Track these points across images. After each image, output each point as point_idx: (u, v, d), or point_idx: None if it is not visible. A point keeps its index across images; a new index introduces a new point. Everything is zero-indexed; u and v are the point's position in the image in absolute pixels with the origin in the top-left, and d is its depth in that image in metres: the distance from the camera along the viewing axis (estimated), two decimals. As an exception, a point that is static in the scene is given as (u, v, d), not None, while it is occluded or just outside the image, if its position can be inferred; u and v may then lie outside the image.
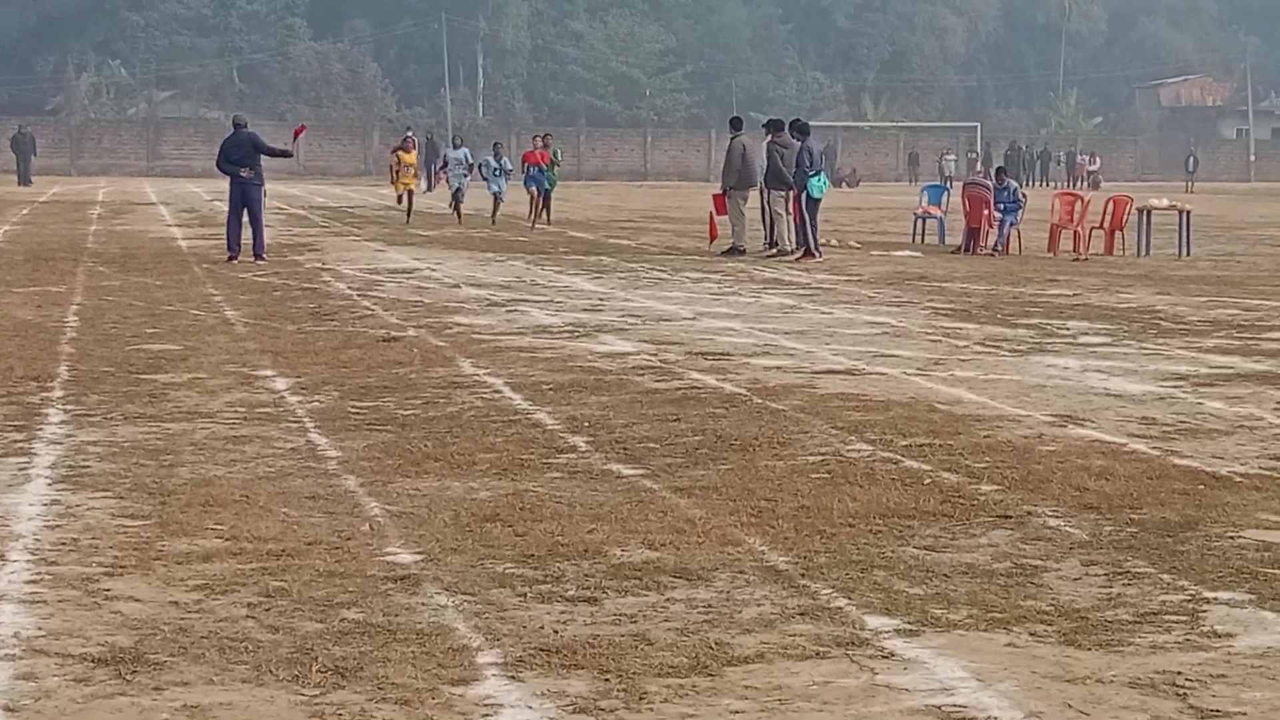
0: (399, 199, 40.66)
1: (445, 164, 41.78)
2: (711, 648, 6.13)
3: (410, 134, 45.65)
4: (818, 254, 27.78)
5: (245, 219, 25.64)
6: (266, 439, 10.45)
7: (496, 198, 39.19)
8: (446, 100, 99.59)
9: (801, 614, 6.58)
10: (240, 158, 25.66)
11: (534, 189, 39.18)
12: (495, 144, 42.40)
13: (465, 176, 40.29)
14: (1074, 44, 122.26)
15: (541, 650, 6.08)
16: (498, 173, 39.32)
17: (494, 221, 38.22)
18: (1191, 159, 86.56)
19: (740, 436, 10.51)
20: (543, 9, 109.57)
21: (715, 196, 30.57)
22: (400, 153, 41.37)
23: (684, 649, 6.11)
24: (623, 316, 18.35)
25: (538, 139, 41.53)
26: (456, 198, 40.00)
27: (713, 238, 29.90)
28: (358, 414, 11.45)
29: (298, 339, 15.87)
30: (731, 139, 30.27)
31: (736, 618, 6.54)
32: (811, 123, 32.00)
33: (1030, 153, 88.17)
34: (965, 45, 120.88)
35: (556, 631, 6.34)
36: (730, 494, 8.81)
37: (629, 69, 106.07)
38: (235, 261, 25.15)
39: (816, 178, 27.66)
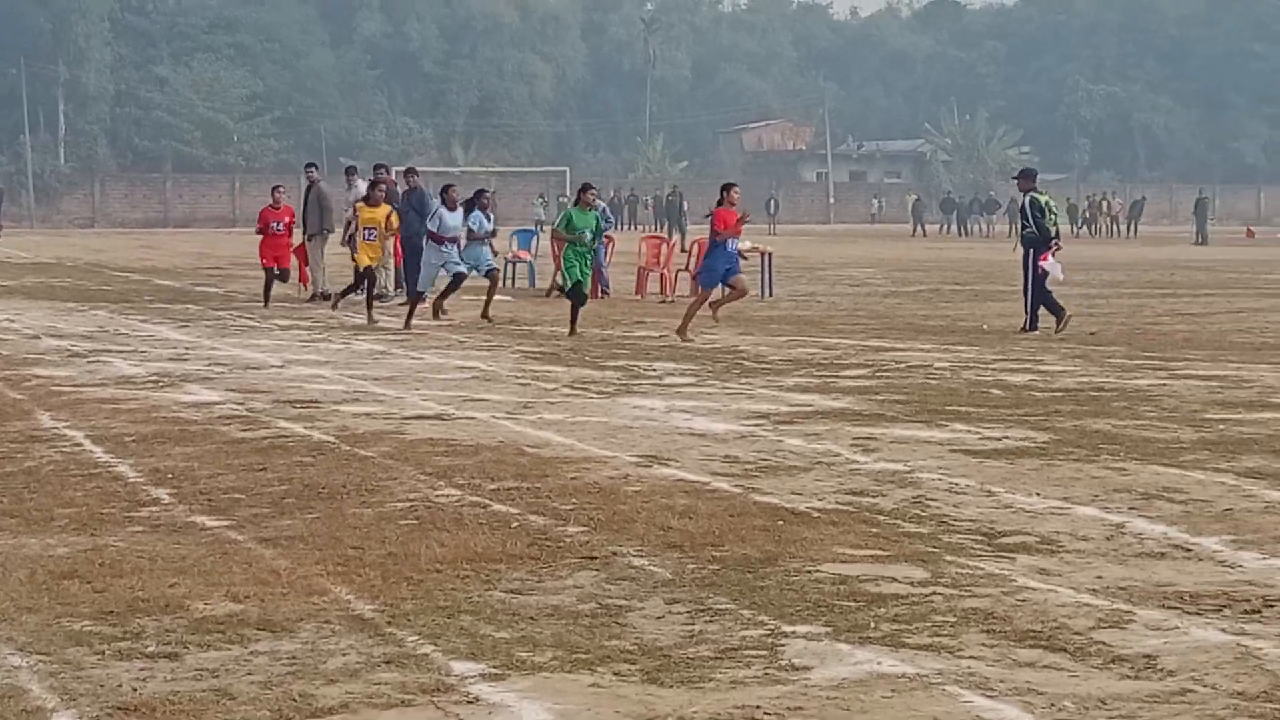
0: (355, 282, 26.13)
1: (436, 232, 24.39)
2: (295, 700, 6.05)
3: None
4: (426, 299, 27.71)
5: None
6: None
7: (458, 278, 24.49)
8: (26, 147, 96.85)
9: (387, 662, 6.54)
10: None
11: None
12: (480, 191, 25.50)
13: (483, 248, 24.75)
14: (659, 90, 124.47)
15: (119, 709, 5.93)
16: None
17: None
18: (773, 202, 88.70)
19: (328, 484, 10.42)
20: (125, 54, 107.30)
21: (297, 248, 30.21)
22: (360, 205, 25.81)
23: (266, 702, 6.02)
24: (209, 365, 18.06)
25: None
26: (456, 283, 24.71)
27: (304, 282, 29.62)
28: (-72, 471, 11.03)
29: None
30: (309, 187, 30.08)
31: (321, 668, 6.47)
32: (397, 168, 31.92)
33: (618, 197, 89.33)
34: (554, 91, 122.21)
35: (135, 689, 6.19)
36: (317, 543, 8.72)
37: (215, 114, 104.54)
38: None
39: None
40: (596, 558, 8.41)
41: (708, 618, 7.26)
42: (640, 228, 79.60)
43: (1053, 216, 22.89)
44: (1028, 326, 22.87)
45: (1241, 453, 11.90)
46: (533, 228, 51.49)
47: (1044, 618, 7.26)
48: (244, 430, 12.91)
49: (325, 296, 28.57)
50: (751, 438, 12.69)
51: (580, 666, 6.51)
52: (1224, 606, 7.49)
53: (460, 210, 24.06)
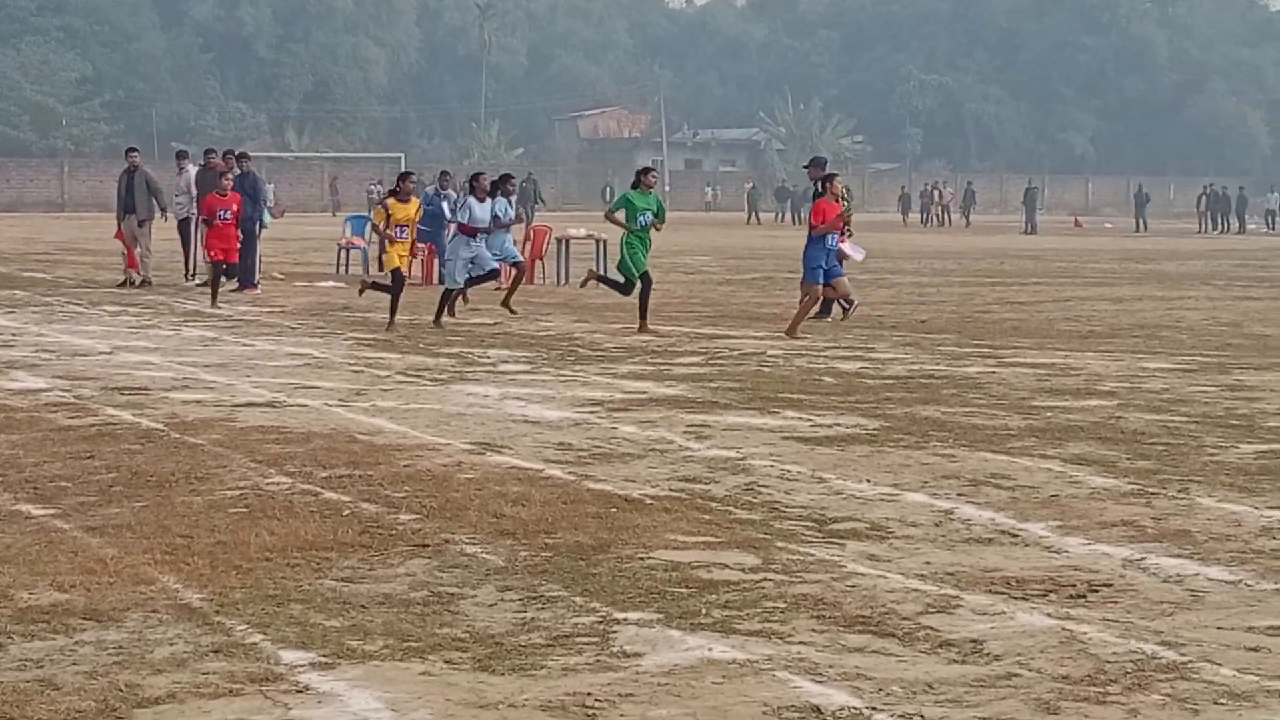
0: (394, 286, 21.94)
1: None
2: (121, 690, 5.97)
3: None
4: (256, 286, 27.55)
5: None
6: None
7: (491, 273, 23.10)
8: None
9: (215, 651, 6.47)
10: None
11: None
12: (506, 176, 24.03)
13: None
14: (495, 76, 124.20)
15: (-60, 702, 5.82)
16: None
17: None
18: (609, 189, 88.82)
19: (156, 473, 10.29)
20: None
21: (117, 233, 29.82)
22: (391, 201, 22.18)
23: (92, 693, 5.94)
24: (36, 352, 17.78)
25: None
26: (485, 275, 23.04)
27: (132, 266, 29.22)
28: None
29: None
30: (131, 171, 29.62)
31: (148, 658, 6.39)
32: (227, 152, 31.56)
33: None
34: (388, 76, 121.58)
35: (-44, 681, 6.08)
36: (145, 532, 8.61)
37: (44, 98, 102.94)
38: None
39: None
40: (428, 545, 8.38)
41: (540, 605, 7.25)
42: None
43: (846, 203, 23.16)
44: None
45: (1068, 439, 12.08)
46: (366, 214, 51.16)
47: (873, 603, 7.32)
48: (71, 418, 12.73)
49: (147, 283, 28.29)
50: (585, 425, 12.70)
51: (411, 655, 6.49)
52: (1050, 591, 7.60)
53: (489, 201, 22.52)
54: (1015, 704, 5.93)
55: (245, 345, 18.77)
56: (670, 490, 9.97)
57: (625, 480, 10.28)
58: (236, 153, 30.52)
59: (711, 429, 12.53)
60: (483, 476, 10.31)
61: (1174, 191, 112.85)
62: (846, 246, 22.82)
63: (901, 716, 5.78)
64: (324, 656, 6.42)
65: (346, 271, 33.25)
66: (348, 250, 34.48)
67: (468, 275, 22.42)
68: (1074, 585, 7.71)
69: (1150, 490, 10.08)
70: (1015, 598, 7.48)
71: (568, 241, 32.03)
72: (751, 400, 14.25)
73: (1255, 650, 6.62)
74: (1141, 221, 75.97)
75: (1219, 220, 77.12)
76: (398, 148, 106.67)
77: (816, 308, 21.50)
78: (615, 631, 6.83)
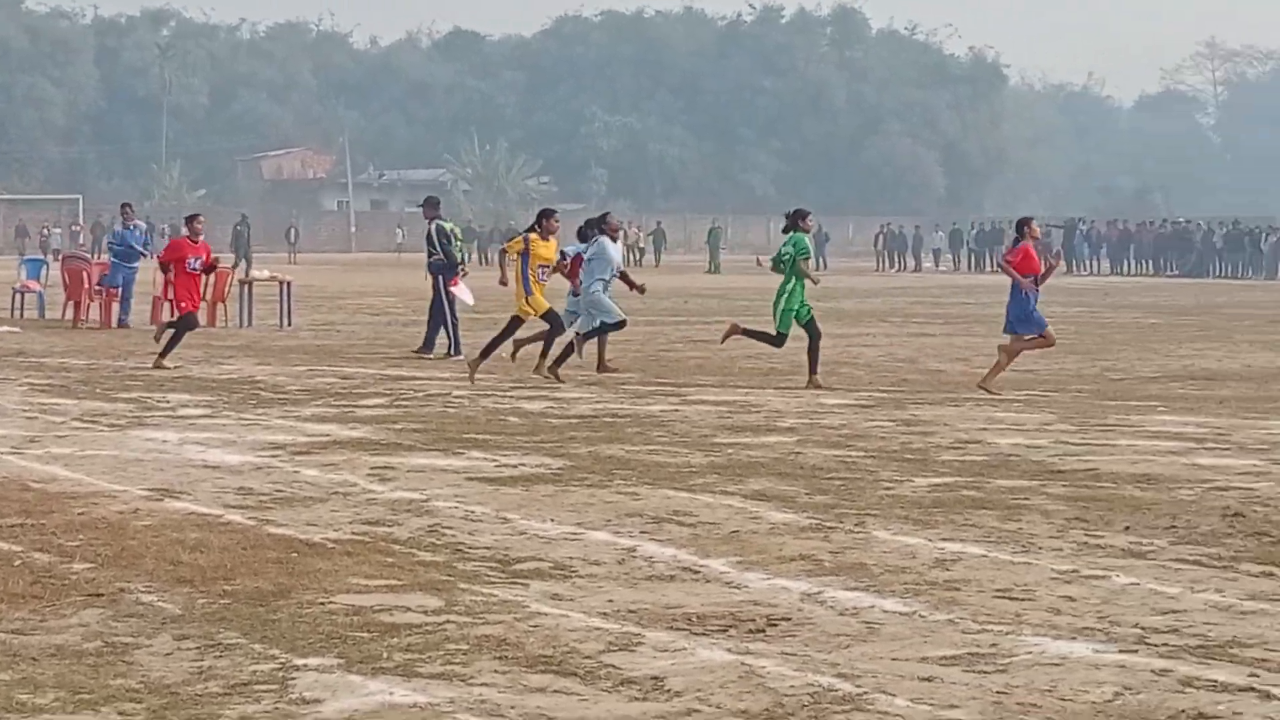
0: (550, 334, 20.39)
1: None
2: None
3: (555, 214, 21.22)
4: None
5: None
6: None
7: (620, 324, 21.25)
8: None
9: (-125, 711, 6.25)
10: None
11: None
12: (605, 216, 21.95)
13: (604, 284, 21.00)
14: (176, 116, 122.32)
15: None
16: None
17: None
18: (293, 230, 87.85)
19: None
20: None
21: None
22: (534, 237, 20.20)
23: None
24: None
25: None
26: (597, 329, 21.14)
27: None
28: None
29: None
30: None
31: None
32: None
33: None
34: (66, 117, 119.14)
35: None
36: None
37: None
38: None
39: None
40: (103, 594, 8.19)
41: (217, 653, 7.13)
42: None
43: (459, 243, 23.47)
44: (451, 351, 23.33)
45: (748, 475, 12.25)
46: (41, 256, 50.04)
47: (555, 643, 7.33)
48: None
49: None
50: (267, 469, 12.54)
51: (84, 707, 6.33)
52: (730, 627, 7.68)
53: (620, 242, 20.55)
54: (695, 739, 5.98)
55: (-87, 392, 18.19)
56: (352, 533, 9.88)
57: (307, 524, 10.16)
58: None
59: (395, 471, 12.46)
60: (160, 523, 10.11)
61: (853, 230, 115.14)
62: (457, 289, 23.18)
63: (582, 756, 5.79)
64: (-9, 712, 6.24)
65: (21, 315, 32.39)
66: (23, 294, 33.61)
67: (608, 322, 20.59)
68: (753, 620, 7.80)
69: (828, 524, 10.25)
70: (696, 634, 7.55)
71: (250, 284, 31.62)
72: (436, 441, 14.20)
73: (929, 680, 6.76)
74: (821, 260, 77.45)
75: (895, 259, 78.97)
76: (76, 189, 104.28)
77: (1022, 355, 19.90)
78: (294, 678, 6.74)
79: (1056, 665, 6.99)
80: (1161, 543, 9.73)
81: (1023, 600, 8.23)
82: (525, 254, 19.95)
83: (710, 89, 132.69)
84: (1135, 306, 38.58)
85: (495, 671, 6.86)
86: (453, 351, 23.35)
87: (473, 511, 10.67)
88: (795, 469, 12.64)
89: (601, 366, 21.11)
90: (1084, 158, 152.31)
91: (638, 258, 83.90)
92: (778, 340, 19.89)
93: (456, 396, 18.06)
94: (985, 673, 6.89)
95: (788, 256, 19.56)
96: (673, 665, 6.97)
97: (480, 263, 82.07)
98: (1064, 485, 11.88)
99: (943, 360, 24.11)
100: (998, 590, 8.45)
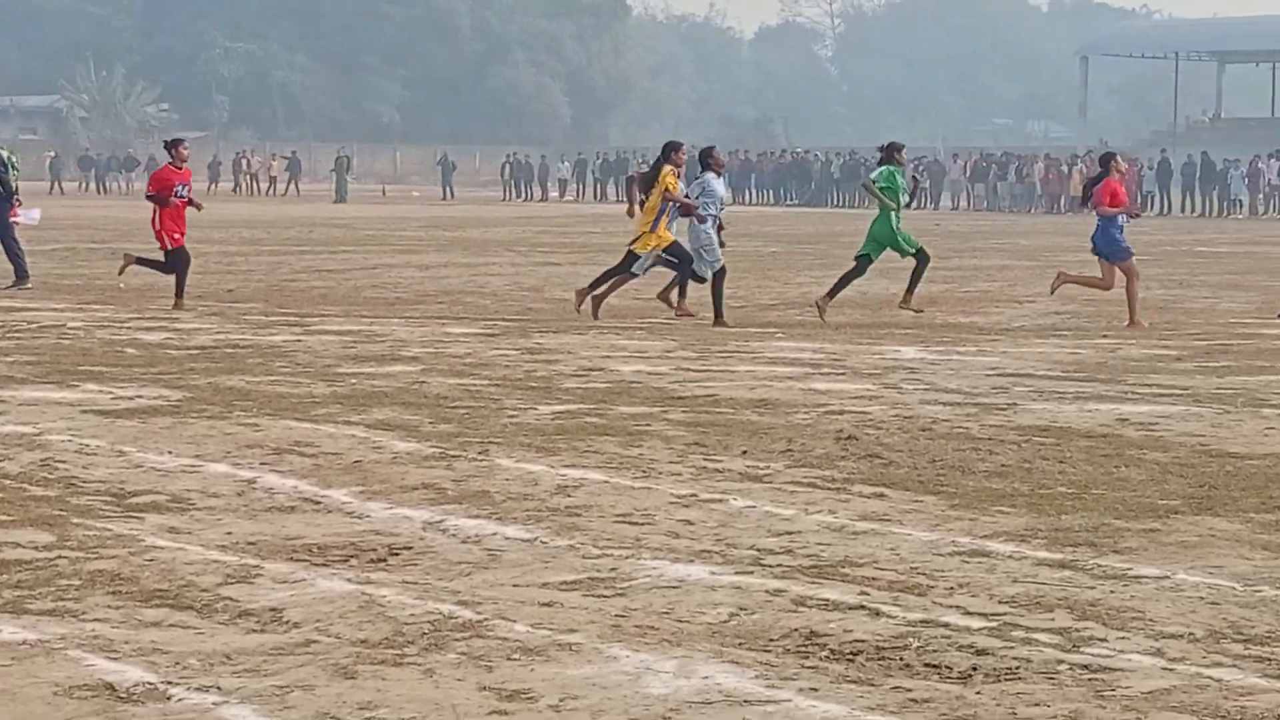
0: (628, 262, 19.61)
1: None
2: None
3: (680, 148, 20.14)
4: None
5: None
6: None
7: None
8: None
9: None
10: None
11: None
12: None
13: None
14: None
15: None
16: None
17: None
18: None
19: None
20: None
21: None
22: (671, 169, 19.30)
23: None
24: None
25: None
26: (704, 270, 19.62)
27: None
28: None
29: None
30: None
31: None
32: None
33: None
34: None
35: None
36: None
37: None
38: None
39: None
40: None
41: None
42: None
43: (15, 172, 23.11)
44: (19, 277, 22.88)
45: (372, 405, 12.19)
46: None
47: (171, 576, 7.21)
48: None
49: None
50: None
51: None
52: (351, 557, 7.65)
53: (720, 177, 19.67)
54: (313, 670, 5.93)
55: None
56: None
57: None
58: None
59: (7, 404, 12.11)
60: None
61: (480, 160, 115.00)
62: (20, 217, 22.94)
63: (198, 689, 5.70)
64: None
65: None
66: None
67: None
68: (375, 550, 7.77)
69: (451, 453, 10.25)
70: (316, 564, 7.49)
71: None
72: (50, 374, 13.83)
73: (548, 605, 6.82)
74: (448, 190, 77.24)
75: (522, 188, 79.12)
76: None
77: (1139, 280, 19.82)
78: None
79: (674, 588, 7.10)
80: (778, 466, 9.94)
81: (642, 525, 8.34)
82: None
83: (334, 15, 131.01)
84: (755, 235, 39.25)
85: (109, 607, 6.73)
86: (19, 277, 22.80)
87: (87, 445, 10.42)
88: (419, 398, 12.61)
89: (680, 309, 19.72)
90: (706, 88, 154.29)
91: (257, 188, 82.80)
92: (921, 257, 19.87)
93: (71, 328, 17.61)
94: (605, 596, 6.97)
95: (890, 187, 19.61)
96: (292, 596, 6.91)
97: (99, 192, 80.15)
98: (684, 411, 12.06)
99: (568, 289, 24.23)
100: (618, 515, 8.55)
